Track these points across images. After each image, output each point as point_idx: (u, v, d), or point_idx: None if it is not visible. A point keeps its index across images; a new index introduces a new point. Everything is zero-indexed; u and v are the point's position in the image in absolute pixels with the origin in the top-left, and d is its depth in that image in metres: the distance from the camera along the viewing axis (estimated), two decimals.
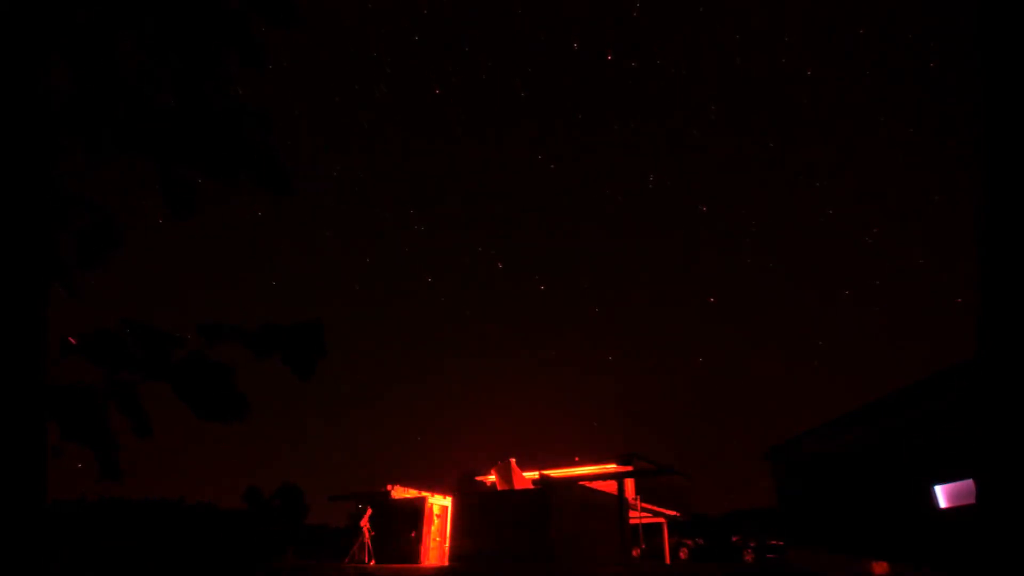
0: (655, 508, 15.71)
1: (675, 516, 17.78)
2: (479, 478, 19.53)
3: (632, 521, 15.52)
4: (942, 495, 9.07)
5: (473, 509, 15.33)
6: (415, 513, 16.71)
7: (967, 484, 8.69)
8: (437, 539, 17.60)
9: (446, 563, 16.36)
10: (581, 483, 15.59)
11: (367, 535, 15.43)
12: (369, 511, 15.86)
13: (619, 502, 14.33)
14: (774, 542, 18.92)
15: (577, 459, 16.98)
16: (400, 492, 17.68)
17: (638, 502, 15.88)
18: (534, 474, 16.71)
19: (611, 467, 15.83)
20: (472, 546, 14.75)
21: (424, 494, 18.01)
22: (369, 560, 15.26)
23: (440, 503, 18.23)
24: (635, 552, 20.51)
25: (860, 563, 10.90)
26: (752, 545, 19.83)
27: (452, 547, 15.32)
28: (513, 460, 16.51)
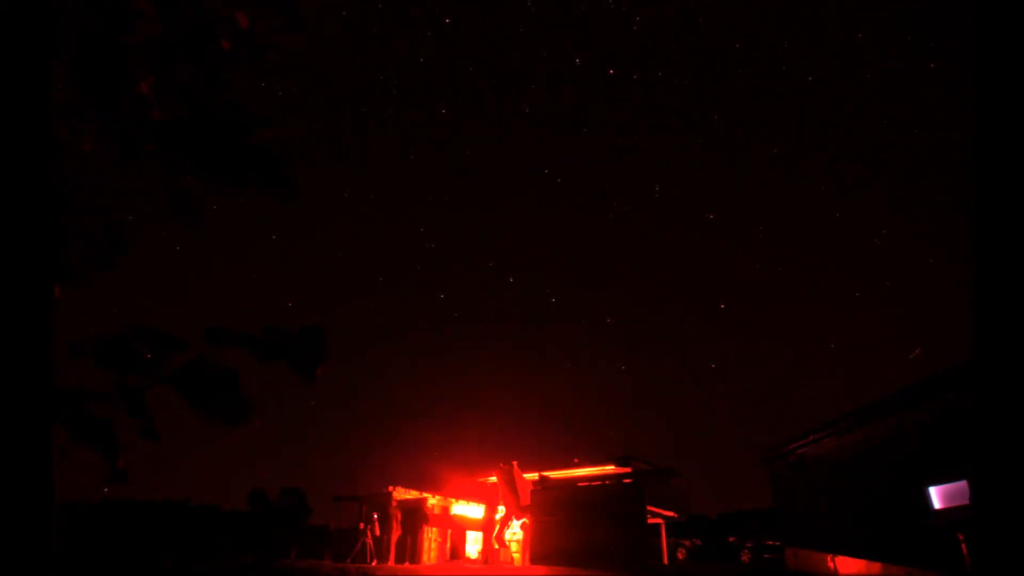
0: (653, 509, 15.84)
1: (673, 517, 17.89)
2: (480, 479, 19.68)
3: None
4: (936, 496, 9.17)
5: (556, 504, 15.12)
6: (416, 514, 16.87)
7: (961, 485, 8.79)
8: (439, 539, 17.77)
9: (445, 562, 16.50)
10: (580, 484, 15.73)
11: (369, 536, 15.59)
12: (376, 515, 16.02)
13: (638, 501, 14.27)
14: (771, 542, 19.00)
15: (576, 461, 17.11)
16: (401, 493, 17.85)
17: None
18: (534, 475, 16.85)
19: (609, 469, 15.96)
20: (557, 544, 14.55)
21: (425, 495, 18.18)
22: (371, 560, 15.42)
23: (440, 504, 18.41)
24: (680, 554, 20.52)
25: (853, 563, 11.00)
26: (749, 546, 19.90)
27: (534, 546, 15.17)
28: (515, 463, 16.65)
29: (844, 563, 11.48)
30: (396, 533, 15.43)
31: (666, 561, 18.45)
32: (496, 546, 16.81)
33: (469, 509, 19.40)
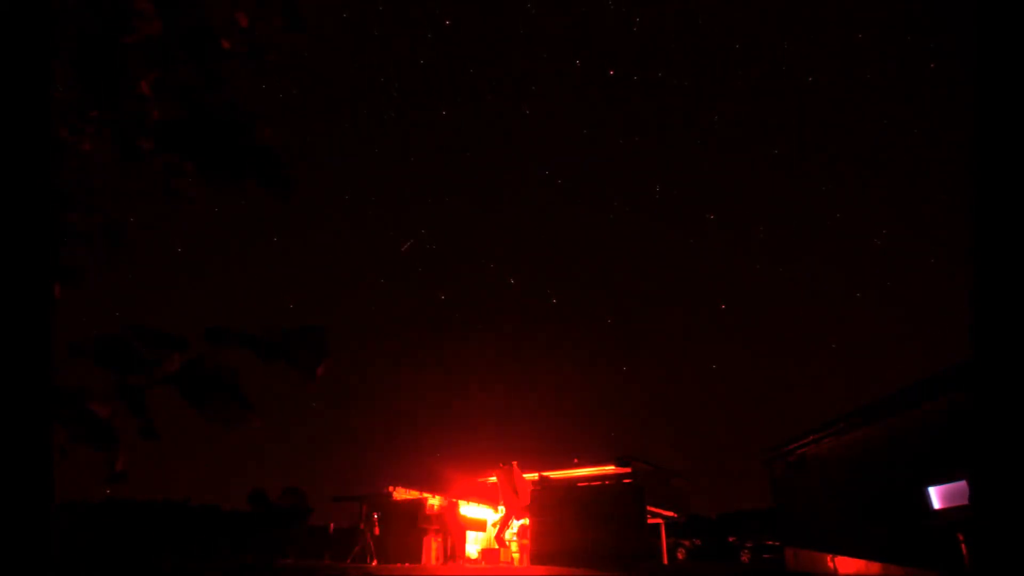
0: (653, 509, 15.87)
1: (673, 517, 17.91)
2: (480, 480, 19.70)
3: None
4: (936, 496, 9.18)
5: (556, 504, 15.19)
6: (416, 514, 16.88)
7: (960, 485, 8.80)
8: (439, 539, 17.77)
9: (445, 561, 16.52)
10: (580, 484, 15.75)
11: (369, 536, 15.59)
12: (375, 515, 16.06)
13: (638, 501, 14.33)
14: (770, 542, 19.01)
15: (576, 461, 17.12)
16: (402, 493, 17.85)
17: None
18: (533, 476, 16.87)
19: (609, 469, 15.98)
20: (558, 544, 14.61)
21: (425, 495, 18.19)
22: (371, 560, 15.42)
23: (440, 504, 18.40)
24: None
25: (853, 563, 11.01)
26: (748, 546, 19.90)
27: (534, 546, 15.25)
28: (515, 463, 16.67)
29: (844, 563, 11.49)
30: (367, 537, 15.46)
31: (666, 561, 18.45)
32: (496, 546, 16.84)
33: (469, 509, 19.42)
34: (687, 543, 21.22)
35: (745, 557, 19.85)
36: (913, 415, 9.88)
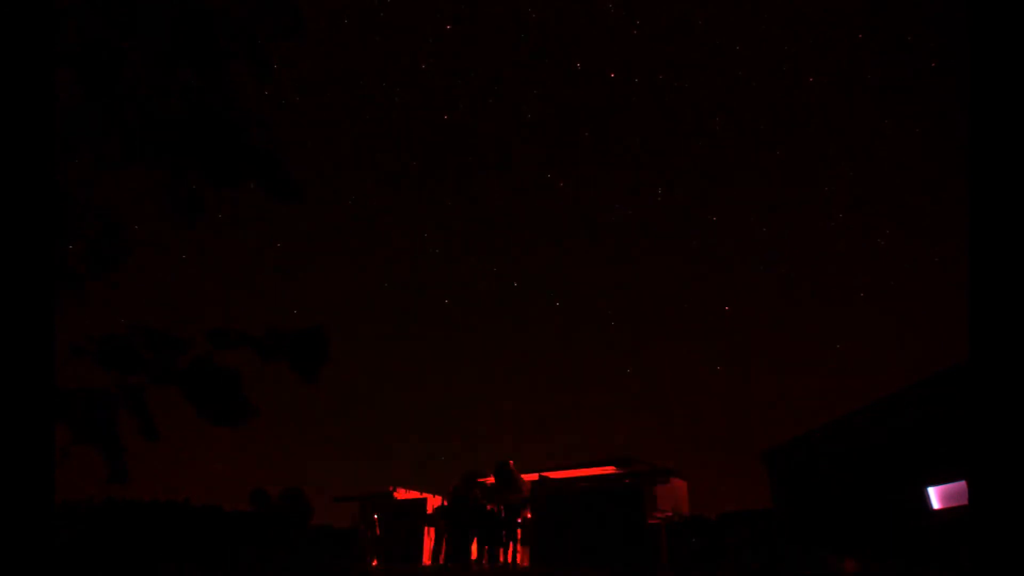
0: (652, 510, 15.88)
1: (672, 517, 17.89)
2: (480, 479, 19.70)
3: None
4: (935, 496, 9.18)
5: (555, 506, 15.26)
6: (417, 514, 16.89)
7: (960, 486, 8.80)
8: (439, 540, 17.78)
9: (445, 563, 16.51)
10: (580, 484, 15.75)
11: (370, 536, 15.60)
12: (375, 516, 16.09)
13: (638, 501, 14.40)
14: (770, 543, 18.97)
15: (576, 461, 17.12)
16: (403, 493, 17.85)
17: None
18: (533, 476, 16.87)
19: (610, 469, 15.98)
20: (557, 544, 14.68)
21: (426, 495, 18.19)
22: (371, 560, 15.42)
23: (441, 503, 18.42)
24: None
25: (852, 563, 11.02)
26: (749, 546, 19.87)
27: (534, 546, 15.32)
28: (512, 462, 16.68)
29: (844, 563, 11.50)
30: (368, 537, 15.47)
31: (666, 561, 18.42)
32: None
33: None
34: (687, 543, 21.17)
35: (745, 557, 19.82)
36: (913, 415, 9.89)
